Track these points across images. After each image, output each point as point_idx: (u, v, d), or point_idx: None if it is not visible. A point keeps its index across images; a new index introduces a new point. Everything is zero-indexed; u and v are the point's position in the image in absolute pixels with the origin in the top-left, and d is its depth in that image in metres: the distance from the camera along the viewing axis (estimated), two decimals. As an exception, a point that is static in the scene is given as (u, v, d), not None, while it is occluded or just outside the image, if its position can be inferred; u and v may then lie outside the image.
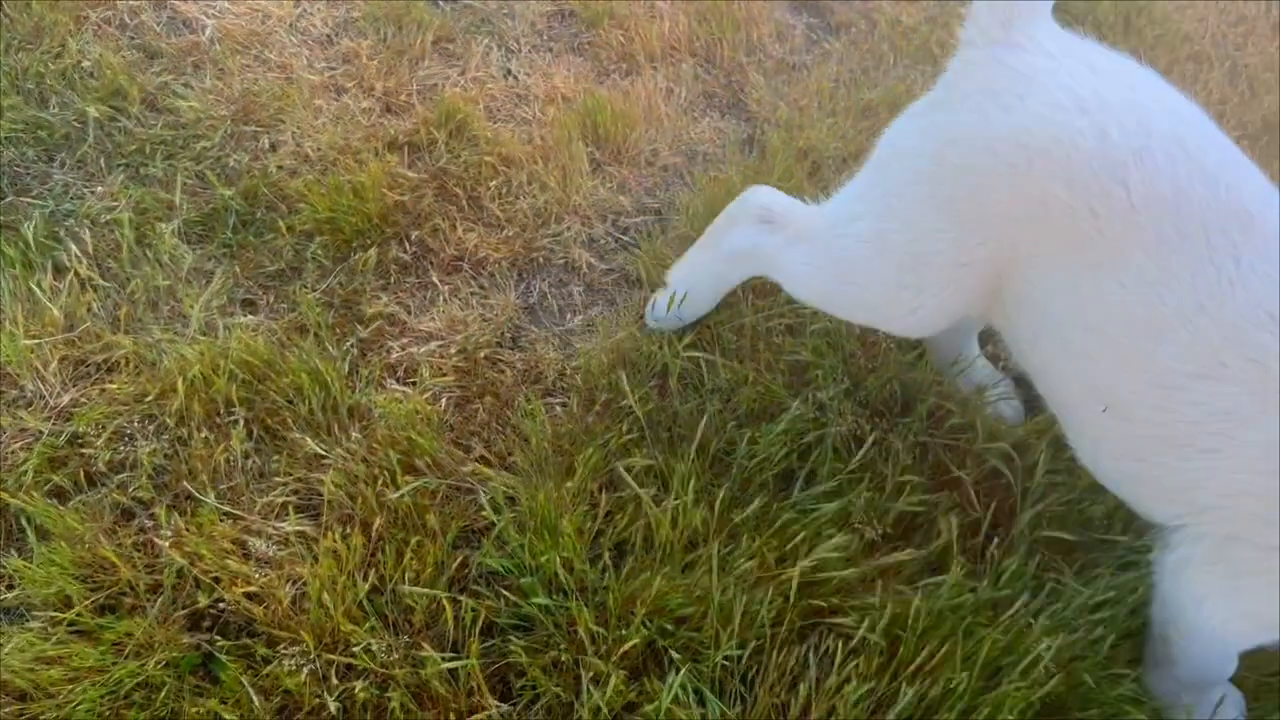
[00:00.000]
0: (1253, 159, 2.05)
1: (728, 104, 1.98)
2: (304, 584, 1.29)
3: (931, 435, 1.53)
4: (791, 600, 1.30)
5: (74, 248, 1.58)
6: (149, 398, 1.44)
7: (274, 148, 1.76)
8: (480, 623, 1.28)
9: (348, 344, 1.54)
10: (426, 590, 1.29)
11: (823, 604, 1.32)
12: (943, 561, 1.40)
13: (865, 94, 1.97)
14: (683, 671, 1.24)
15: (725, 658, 1.27)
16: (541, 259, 1.71)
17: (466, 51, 1.92)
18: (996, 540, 1.42)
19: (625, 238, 1.77)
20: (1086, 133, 1.15)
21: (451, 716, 1.22)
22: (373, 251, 1.63)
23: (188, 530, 1.32)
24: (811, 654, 1.27)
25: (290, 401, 1.46)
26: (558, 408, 1.53)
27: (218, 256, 1.64)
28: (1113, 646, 1.34)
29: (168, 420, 1.43)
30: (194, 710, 1.20)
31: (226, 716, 1.19)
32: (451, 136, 1.76)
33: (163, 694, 1.21)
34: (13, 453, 1.39)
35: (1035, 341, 1.28)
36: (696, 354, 1.57)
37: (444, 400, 1.51)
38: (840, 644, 1.29)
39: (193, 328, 1.52)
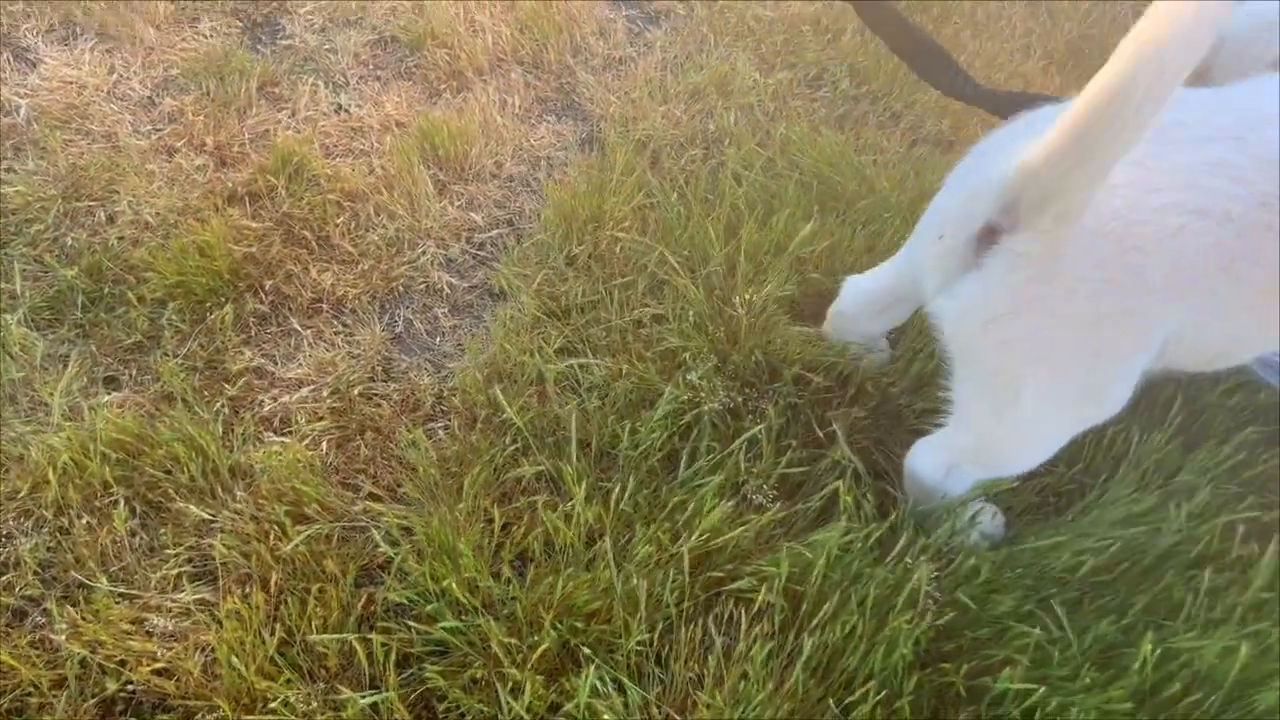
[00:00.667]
0: (1059, 82, 2.19)
1: (562, 106, 2.01)
2: (211, 650, 1.29)
3: (800, 397, 1.60)
4: (689, 576, 1.35)
5: (-84, 354, 1.54)
6: (21, 494, 1.42)
7: (111, 220, 1.73)
8: (394, 656, 1.30)
9: (218, 405, 1.54)
10: (335, 635, 1.30)
11: (721, 574, 1.38)
12: (831, 513, 1.48)
13: (692, 78, 2.03)
14: (596, 665, 1.28)
15: (638, 643, 1.31)
16: (401, 287, 1.72)
17: (294, 93, 1.91)
18: (871, 485, 1.50)
19: (482, 253, 1.79)
20: None
21: (380, 751, 1.24)
22: (229, 308, 1.62)
23: (84, 619, 1.31)
24: (715, 624, 1.33)
25: (169, 472, 1.45)
26: (440, 432, 1.55)
27: (70, 339, 1.61)
28: (997, 567, 1.43)
29: (45, 513, 1.41)
30: (119, 796, 1.20)
31: (154, 796, 1.19)
32: (291, 180, 1.76)
33: (84, 787, 1.20)
34: (-114, 574, 1.36)
35: None
36: (570, 360, 1.61)
37: (324, 444, 1.51)
38: (743, 610, 1.35)
39: (55, 415, 1.50)
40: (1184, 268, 1.10)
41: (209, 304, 1.64)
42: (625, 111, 1.97)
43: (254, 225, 1.72)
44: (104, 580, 1.35)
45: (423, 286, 1.73)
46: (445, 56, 1.99)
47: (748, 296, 1.65)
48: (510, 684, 1.27)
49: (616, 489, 1.43)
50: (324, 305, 1.67)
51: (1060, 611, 1.36)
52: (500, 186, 1.86)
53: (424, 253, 1.75)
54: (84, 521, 1.39)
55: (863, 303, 1.52)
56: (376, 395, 1.59)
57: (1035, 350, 1.17)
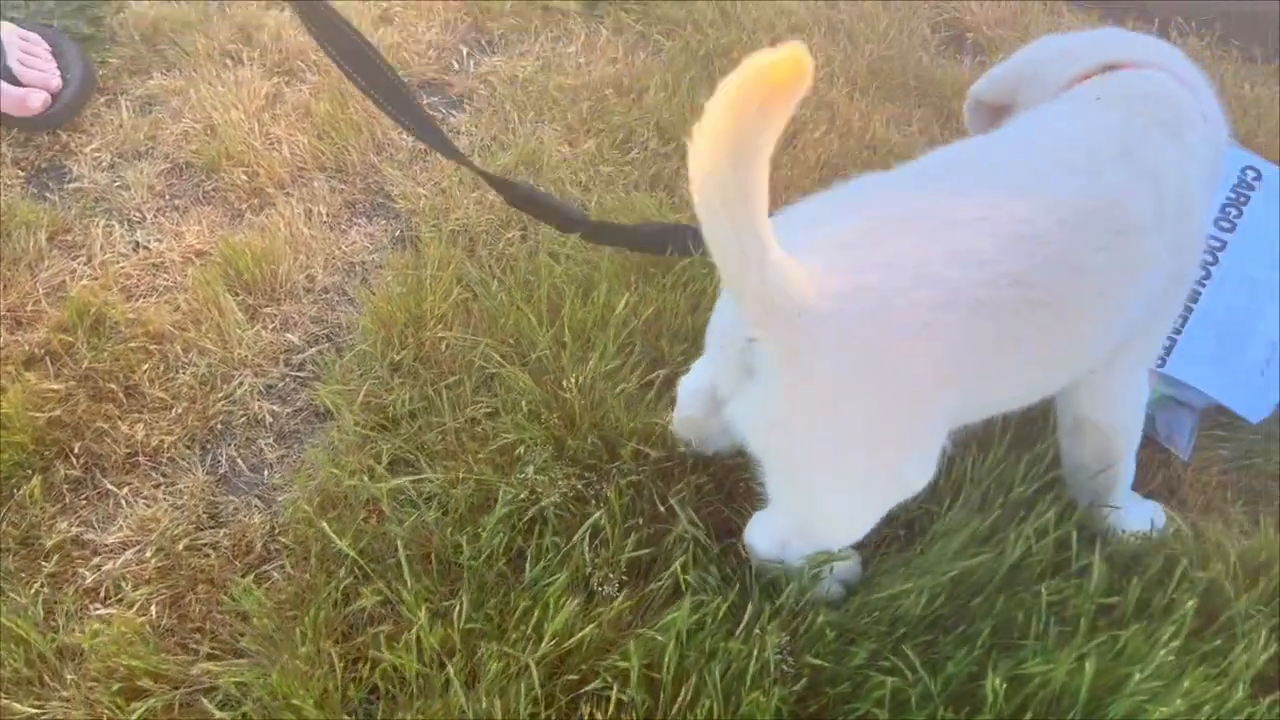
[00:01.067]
0: (864, 106, 2.23)
1: (371, 208, 1.98)
2: None
3: (641, 473, 1.58)
4: (543, 686, 1.32)
5: None
6: None
7: (-99, 404, 1.65)
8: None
9: (36, 585, 1.46)
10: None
11: (576, 676, 1.35)
12: (680, 591, 1.46)
13: (501, 158, 2.02)
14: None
15: (499, 766, 1.28)
16: (221, 425, 1.67)
17: (87, 237, 1.84)
18: (719, 553, 1.49)
19: (303, 374, 1.75)
20: None
21: None
22: (36, 480, 1.55)
23: None
24: (575, 733, 1.30)
25: (-14, 670, 1.37)
26: (275, 574, 1.50)
27: None
28: (852, 615, 1.43)
29: None
30: None
31: None
32: (91, 333, 1.69)
33: None
34: None
35: None
36: (402, 479, 1.56)
37: (154, 607, 1.44)
38: (603, 710, 1.32)
39: None
40: (942, 359, 1.12)
41: (15, 479, 1.56)
42: (436, 204, 1.95)
43: (56, 387, 1.64)
44: (-78, 804, 1.27)
45: (243, 420, 1.68)
46: (243, 175, 1.95)
47: (575, 380, 1.63)
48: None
49: (459, 606, 1.40)
50: (140, 459, 1.60)
51: (913, 655, 1.37)
52: (315, 301, 1.82)
53: (241, 384, 1.70)
54: (-105, 743, 1.31)
55: (697, 402, 1.51)
56: (204, 545, 1.53)
57: (818, 449, 1.18)
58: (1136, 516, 1.56)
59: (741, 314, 1.12)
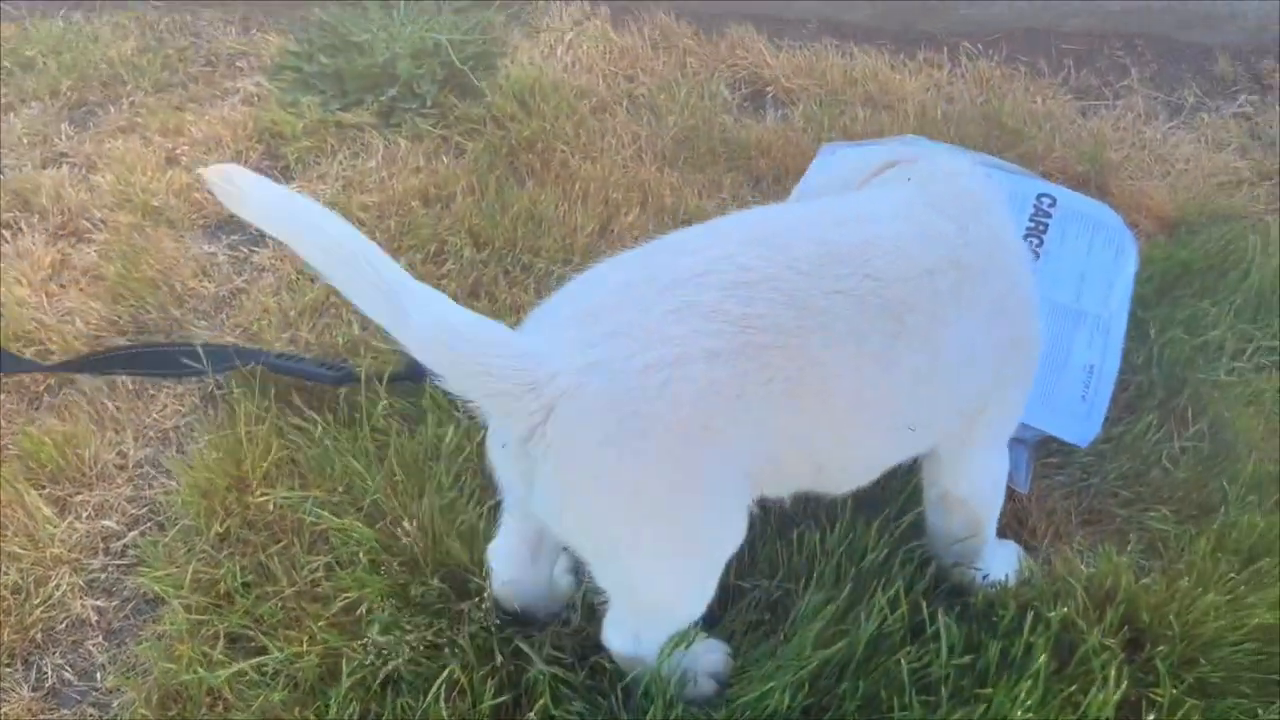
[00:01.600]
0: (674, 180, 2.24)
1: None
2: None
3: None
4: None
5: None
6: None
7: None
8: None
9: None
10: None
11: None
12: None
13: (310, 293, 1.96)
14: None
15: None
16: (42, 634, 1.56)
17: None
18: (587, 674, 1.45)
19: (126, 560, 1.65)
20: None
21: None
22: None
23: None
24: None
25: None
26: (115, 793, 1.41)
27: None
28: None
29: None
30: None
31: None
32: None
33: None
34: None
35: None
36: (242, 662, 1.49)
37: None
38: None
39: None
40: (693, 413, 1.14)
41: None
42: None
43: None
44: None
45: (66, 623, 1.57)
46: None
47: (409, 527, 1.59)
48: None
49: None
50: (-47, 693, 1.49)
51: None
52: (129, 479, 1.73)
53: (59, 585, 1.60)
54: None
55: (512, 563, 1.47)
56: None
57: (605, 523, 1.20)
58: (999, 565, 1.59)
59: (493, 423, 1.19)
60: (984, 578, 1.57)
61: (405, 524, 1.61)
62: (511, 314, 1.96)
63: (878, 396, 1.28)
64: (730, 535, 1.27)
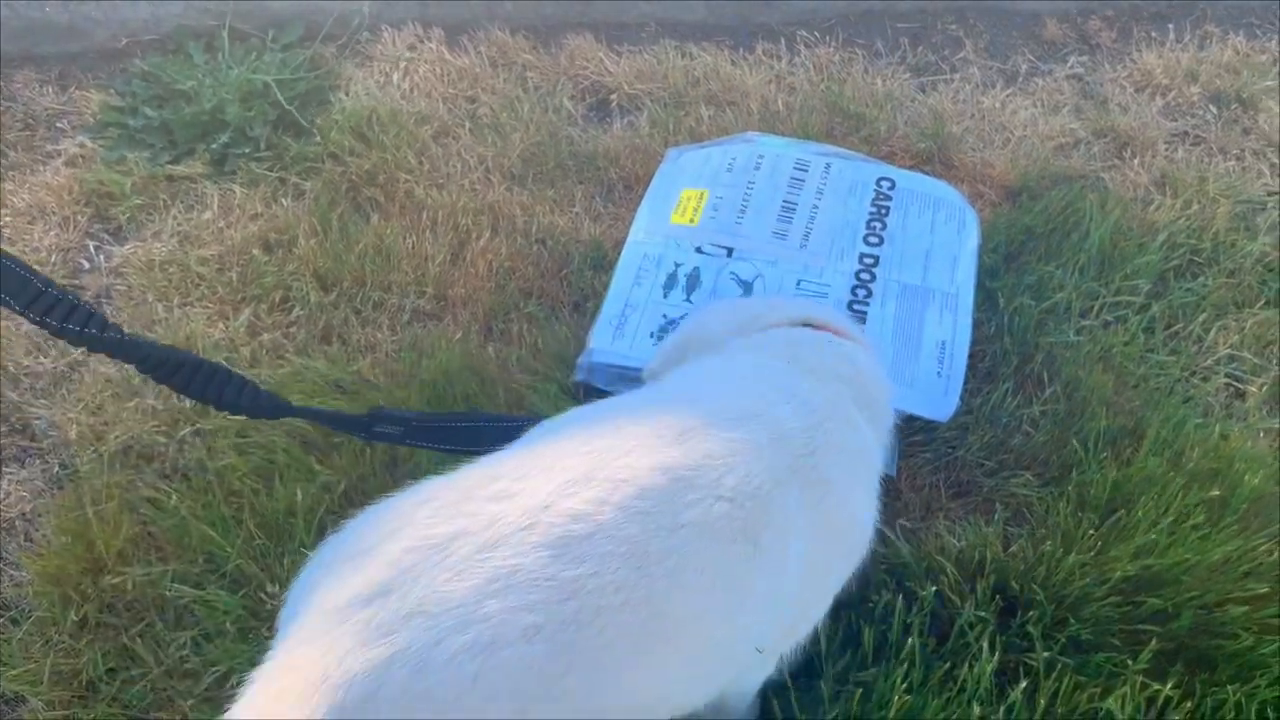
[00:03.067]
0: (524, 199, 2.21)
1: (20, 451, 1.80)
2: None
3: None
4: None
5: None
6: None
7: None
8: None
9: None
10: None
11: None
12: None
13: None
14: None
15: None
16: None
17: None
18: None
19: (-21, 665, 1.57)
20: None
21: None
22: None
23: None
24: None
25: None
26: None
27: None
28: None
29: None
30: None
31: None
32: None
33: None
34: None
35: None
36: None
37: None
38: None
39: None
40: (513, 705, 0.95)
41: None
42: (90, 425, 1.79)
43: None
44: None
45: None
46: None
47: (274, 589, 1.54)
48: None
49: None
50: None
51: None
52: (-26, 575, 1.65)
53: (-94, 700, 1.52)
54: None
55: None
56: None
57: None
58: None
59: None
60: None
61: (269, 587, 1.56)
62: (366, 353, 1.92)
63: (731, 630, 1.12)
64: None
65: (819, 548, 1.20)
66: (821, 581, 1.25)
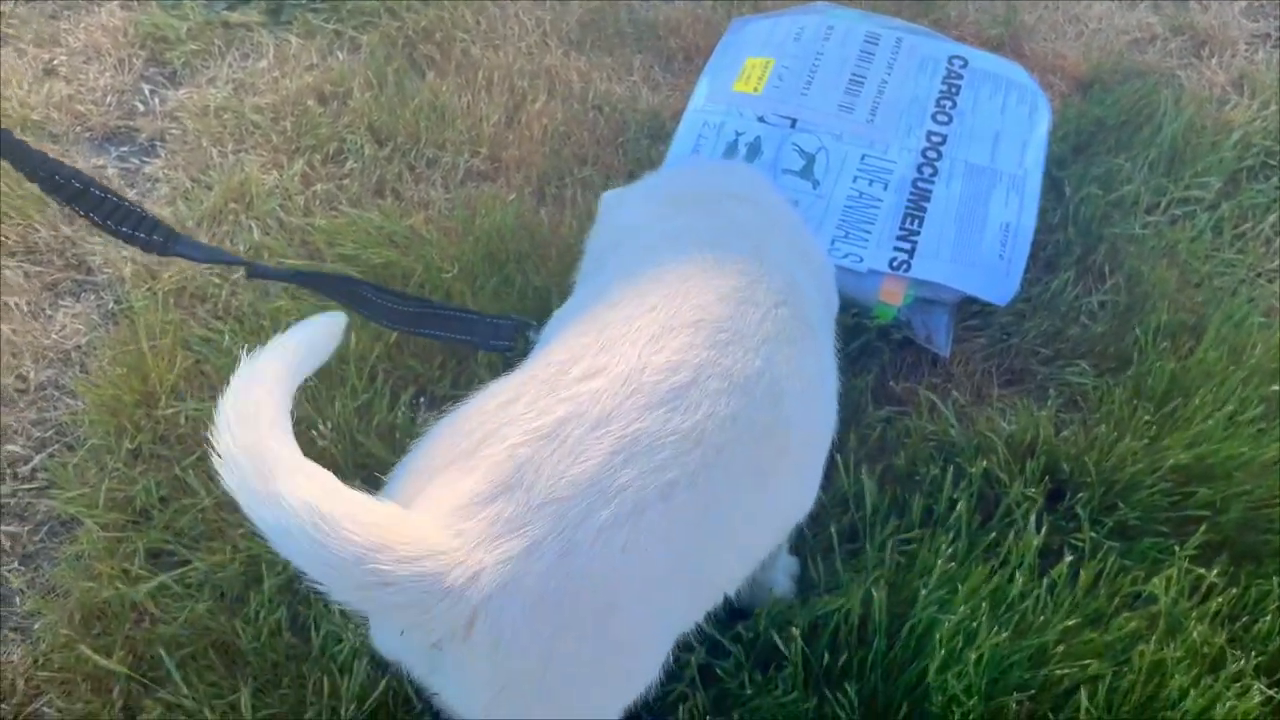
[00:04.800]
0: (581, 64, 2.16)
1: (76, 284, 1.81)
2: None
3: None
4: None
5: None
6: None
7: None
8: None
9: None
10: None
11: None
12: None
13: (205, 200, 1.87)
14: None
15: None
16: (-48, 564, 1.52)
17: None
18: None
19: (36, 484, 1.59)
20: None
21: None
22: None
23: None
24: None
25: None
26: (45, 711, 1.37)
27: None
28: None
29: None
30: None
31: None
32: None
33: None
34: None
35: None
36: (164, 575, 1.46)
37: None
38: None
39: None
40: (666, 562, 0.97)
41: None
42: (144, 264, 1.80)
43: None
44: None
45: (-24, 554, 1.53)
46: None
47: (324, 429, 1.55)
48: None
49: (243, 698, 1.32)
50: None
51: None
52: (32, 401, 1.67)
53: (-34, 514, 1.55)
54: None
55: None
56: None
57: (556, 710, 0.98)
58: (778, 571, 1.46)
59: (404, 622, 0.91)
60: (759, 586, 1.43)
61: (320, 427, 1.57)
62: (419, 210, 1.91)
63: (826, 429, 1.20)
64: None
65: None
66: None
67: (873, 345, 1.76)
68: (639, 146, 2.03)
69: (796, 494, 1.18)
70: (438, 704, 1.03)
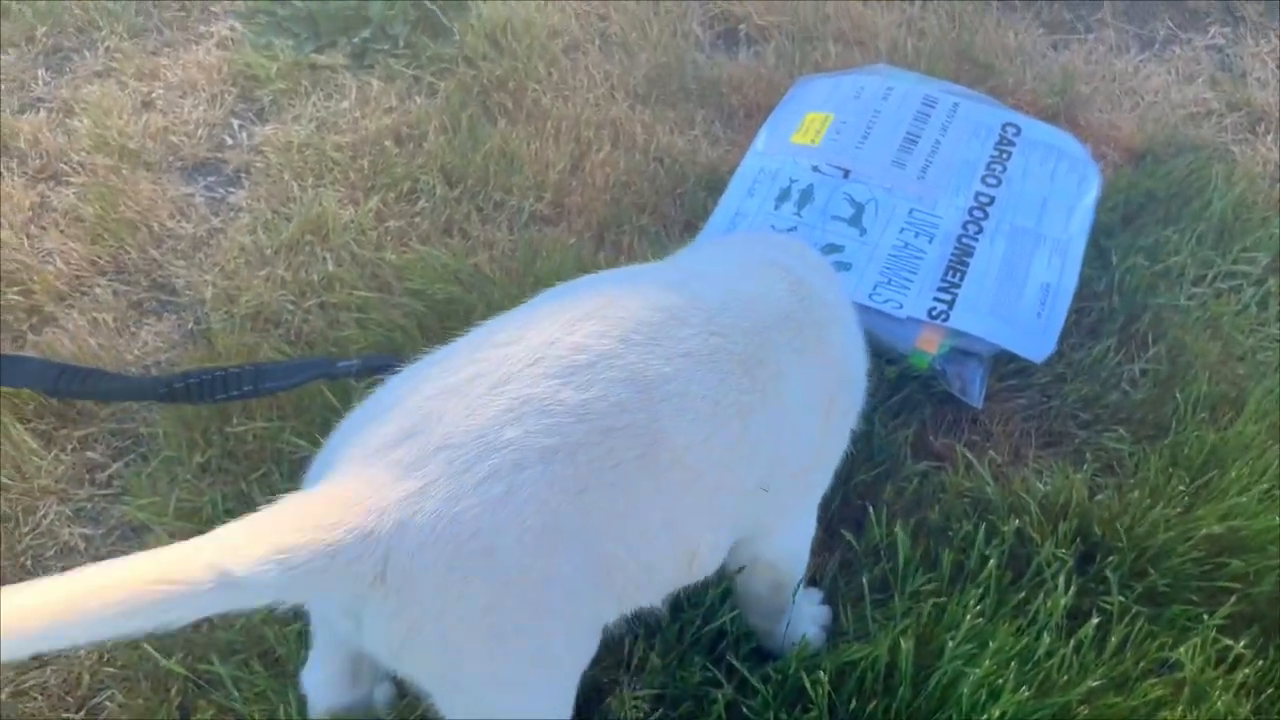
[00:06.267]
0: (646, 117, 2.26)
1: (160, 305, 1.92)
2: None
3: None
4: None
5: None
6: None
7: None
8: None
9: None
10: None
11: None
12: None
13: (284, 231, 1.99)
14: None
15: None
16: (31, 561, 1.60)
17: None
18: None
19: (111, 490, 1.69)
20: None
21: None
22: None
23: None
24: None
25: None
26: (107, 704, 1.46)
27: None
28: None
29: None
30: None
31: None
32: None
33: None
34: None
35: None
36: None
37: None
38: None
39: None
40: (540, 520, 1.02)
41: None
42: (224, 288, 1.91)
43: None
44: None
45: (55, 551, 1.62)
46: (18, 296, 1.87)
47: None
48: None
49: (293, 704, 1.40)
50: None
51: (742, 667, 1.41)
52: (113, 413, 1.77)
53: (46, 514, 1.65)
54: None
55: (331, 691, 1.33)
56: (31, 688, 1.48)
57: (459, 657, 1.06)
58: (805, 621, 1.50)
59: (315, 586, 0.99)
60: (788, 636, 1.48)
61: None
62: (484, 249, 2.00)
63: (736, 457, 1.19)
64: (587, 647, 1.17)
65: (814, 390, 1.28)
66: (825, 420, 1.31)
67: (914, 398, 1.81)
68: (696, 199, 2.11)
69: (695, 525, 1.18)
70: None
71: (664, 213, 2.11)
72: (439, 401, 1.04)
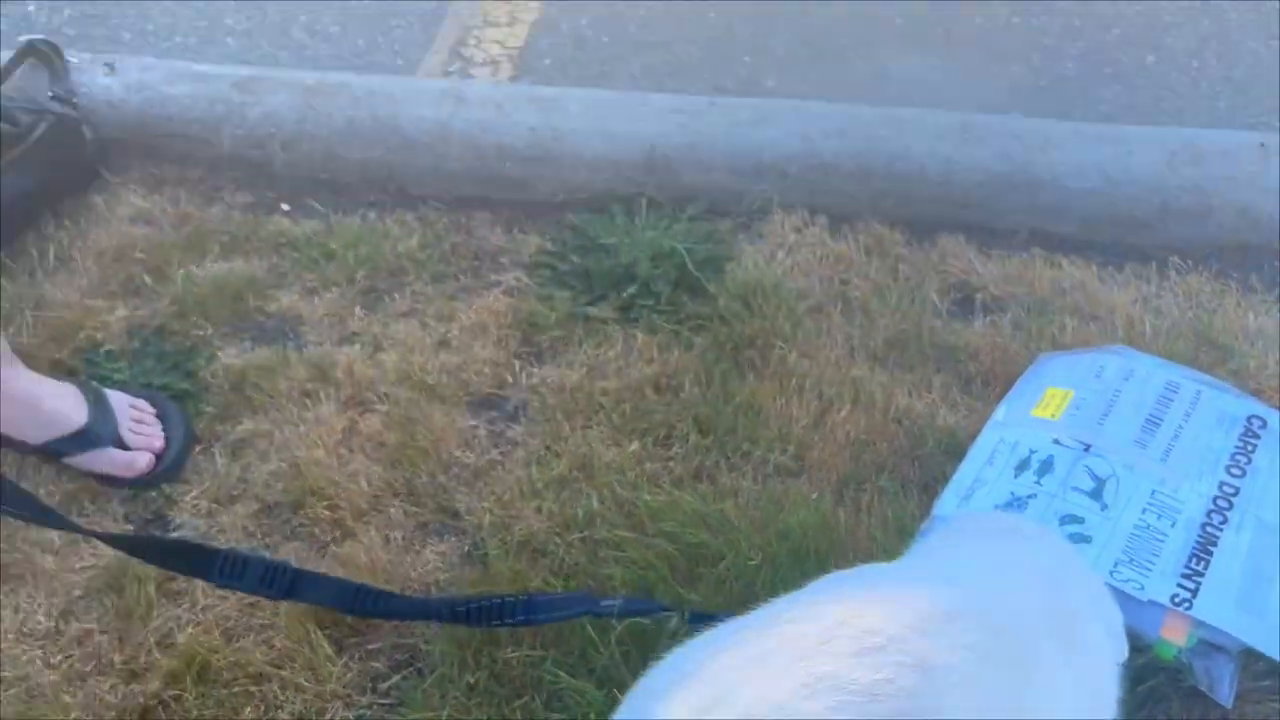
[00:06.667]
0: (884, 379, 2.39)
1: (443, 527, 2.16)
2: None
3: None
4: None
5: None
6: None
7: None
8: None
9: None
10: None
11: None
12: None
13: (555, 467, 2.21)
14: None
15: None
16: (317, 760, 1.80)
17: (190, 584, 2.03)
18: None
19: (389, 700, 1.88)
20: None
21: None
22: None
23: None
24: None
25: None
26: None
27: None
28: None
29: None
30: None
31: None
32: (197, 680, 1.86)
33: None
34: None
35: None
36: None
37: None
38: None
39: None
40: None
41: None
42: (501, 517, 2.13)
43: (169, 737, 1.80)
44: None
45: (339, 752, 1.81)
46: (325, 510, 2.15)
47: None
48: None
49: None
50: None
51: None
52: (395, 627, 1.97)
53: (333, 718, 1.84)
54: None
55: None
56: None
57: None
58: None
59: None
60: None
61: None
62: (731, 496, 2.15)
63: None
64: None
65: (1085, 684, 1.28)
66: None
67: (1161, 690, 1.79)
68: (934, 461, 2.21)
69: None
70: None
71: (902, 473, 2.21)
72: (741, 673, 1.10)
